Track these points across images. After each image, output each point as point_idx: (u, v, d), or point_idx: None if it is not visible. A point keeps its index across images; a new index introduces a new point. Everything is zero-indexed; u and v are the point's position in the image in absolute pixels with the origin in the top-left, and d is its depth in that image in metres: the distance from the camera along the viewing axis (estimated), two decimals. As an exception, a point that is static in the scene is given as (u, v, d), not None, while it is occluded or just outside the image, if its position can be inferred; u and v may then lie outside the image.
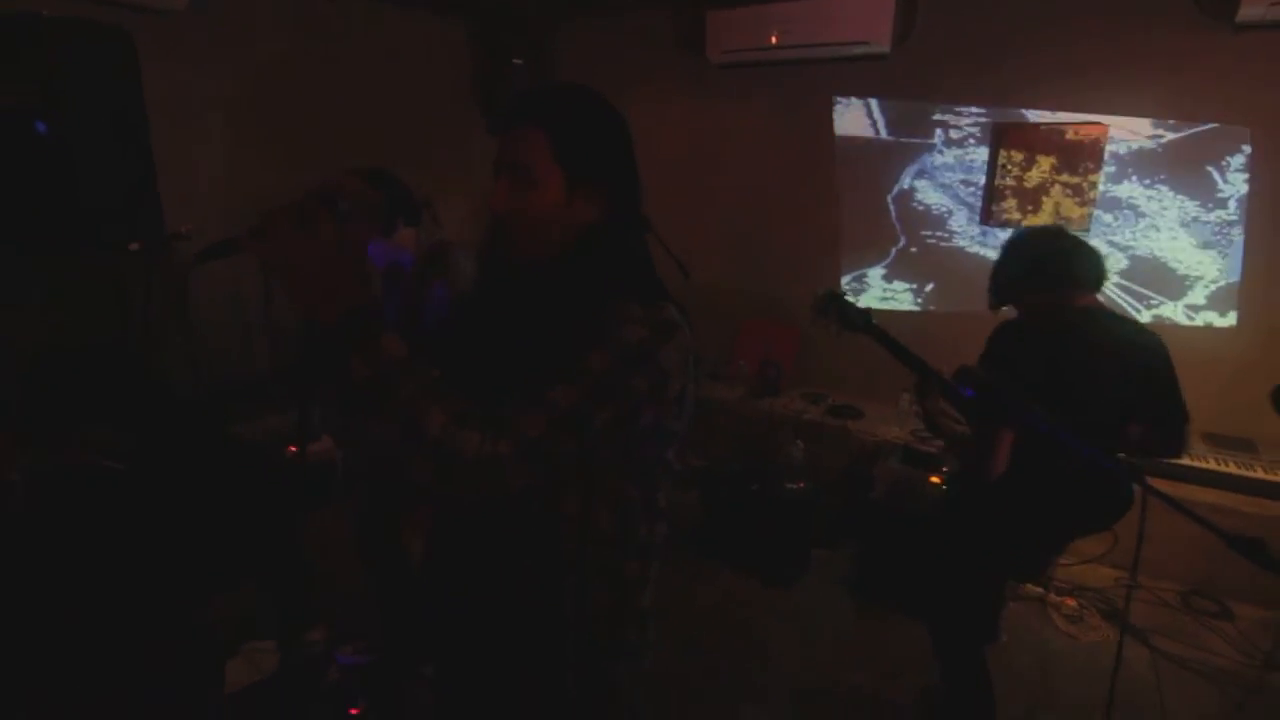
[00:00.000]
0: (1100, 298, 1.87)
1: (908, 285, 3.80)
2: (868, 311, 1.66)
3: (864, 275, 3.92)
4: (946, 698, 2.02)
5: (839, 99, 3.81)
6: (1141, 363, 1.79)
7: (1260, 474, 2.83)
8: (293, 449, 3.17)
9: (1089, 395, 1.72)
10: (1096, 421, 1.73)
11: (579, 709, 1.02)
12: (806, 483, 2.92)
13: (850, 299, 1.67)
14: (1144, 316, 3.22)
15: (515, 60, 4.47)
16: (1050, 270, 1.79)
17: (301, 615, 2.35)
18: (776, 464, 2.95)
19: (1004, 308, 1.92)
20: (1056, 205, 3.32)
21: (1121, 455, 1.84)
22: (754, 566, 2.92)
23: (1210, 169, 3.05)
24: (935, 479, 2.64)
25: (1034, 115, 3.35)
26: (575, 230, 0.96)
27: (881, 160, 3.75)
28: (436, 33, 4.38)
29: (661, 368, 0.88)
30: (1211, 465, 2.91)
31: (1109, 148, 3.19)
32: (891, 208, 3.77)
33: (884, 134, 3.74)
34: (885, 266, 3.85)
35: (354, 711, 2.13)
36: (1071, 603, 2.76)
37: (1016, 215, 3.41)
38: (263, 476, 2.84)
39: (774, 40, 3.66)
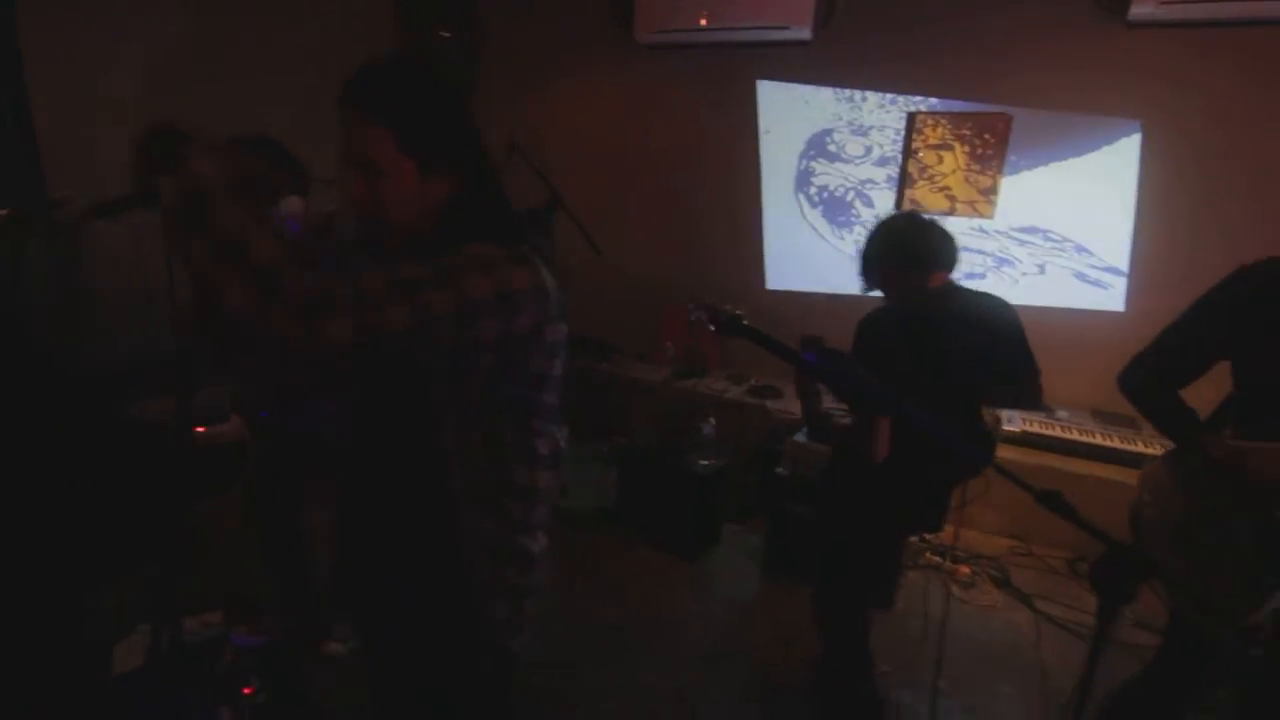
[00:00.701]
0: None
1: (824, 270, 3.89)
2: (739, 315, 1.71)
3: (790, 259, 3.99)
4: (826, 659, 2.11)
5: (762, 81, 3.86)
6: (1001, 330, 1.90)
7: (1141, 448, 3.01)
8: (201, 430, 3.06)
9: (960, 364, 1.82)
10: (967, 385, 1.86)
11: (451, 643, 1.08)
12: (719, 459, 2.98)
13: (728, 307, 1.73)
14: (1042, 301, 3.38)
15: (443, 33, 4.39)
16: (912, 253, 1.88)
17: (187, 597, 2.29)
18: (688, 442, 3.00)
19: (869, 291, 2.00)
20: (963, 190, 3.44)
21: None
22: (666, 541, 2.97)
23: (1104, 159, 3.20)
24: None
25: (945, 104, 3.45)
26: (435, 206, 1.00)
27: (801, 145, 3.81)
28: (360, 2, 4.25)
29: (501, 281, 0.90)
30: (1099, 441, 3.09)
31: (1013, 136, 3.31)
32: (809, 193, 3.85)
33: (804, 118, 3.80)
34: (803, 251, 3.93)
35: (247, 691, 2.09)
36: (966, 570, 2.90)
37: (930, 199, 3.52)
38: (160, 458, 2.74)
39: (702, 22, 3.68)
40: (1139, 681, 1.72)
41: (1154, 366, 1.56)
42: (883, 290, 1.98)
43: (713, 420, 3.02)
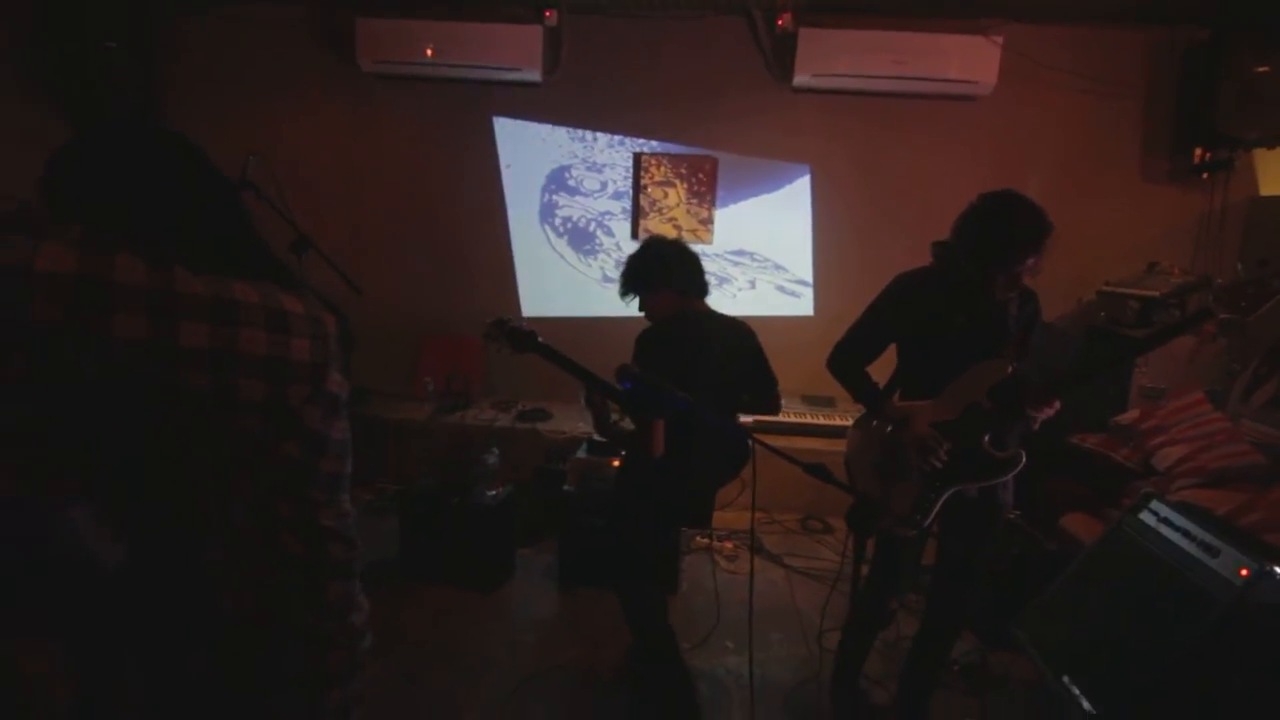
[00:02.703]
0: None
1: (577, 295, 4.17)
2: (533, 332, 1.87)
3: (542, 287, 4.19)
4: (639, 647, 2.33)
5: (498, 118, 4.00)
6: (744, 348, 2.31)
7: (839, 421, 3.78)
8: None
9: (715, 378, 2.17)
10: (721, 396, 2.22)
11: None
12: (504, 488, 3.03)
13: (514, 322, 1.86)
14: (755, 311, 4.06)
15: (107, 44, 3.73)
16: (679, 276, 2.20)
17: None
18: (473, 475, 3.00)
19: (630, 297, 2.27)
20: (687, 220, 3.98)
21: (741, 418, 2.34)
22: (459, 579, 2.93)
23: (788, 194, 3.97)
24: (616, 462, 2.97)
25: (664, 146, 3.96)
26: None
27: (542, 179, 4.05)
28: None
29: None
30: (808, 419, 3.80)
31: (720, 174, 3.93)
32: (554, 224, 4.10)
33: (543, 155, 4.03)
34: (553, 278, 4.17)
35: None
36: (729, 545, 3.36)
37: (660, 228, 3.99)
38: None
39: (429, 54, 3.69)
40: (861, 594, 2.24)
41: (848, 351, 2.09)
42: (650, 310, 2.25)
43: (496, 450, 3.06)
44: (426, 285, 4.21)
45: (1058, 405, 1.88)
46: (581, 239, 4.11)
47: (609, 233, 4.09)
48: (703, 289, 2.25)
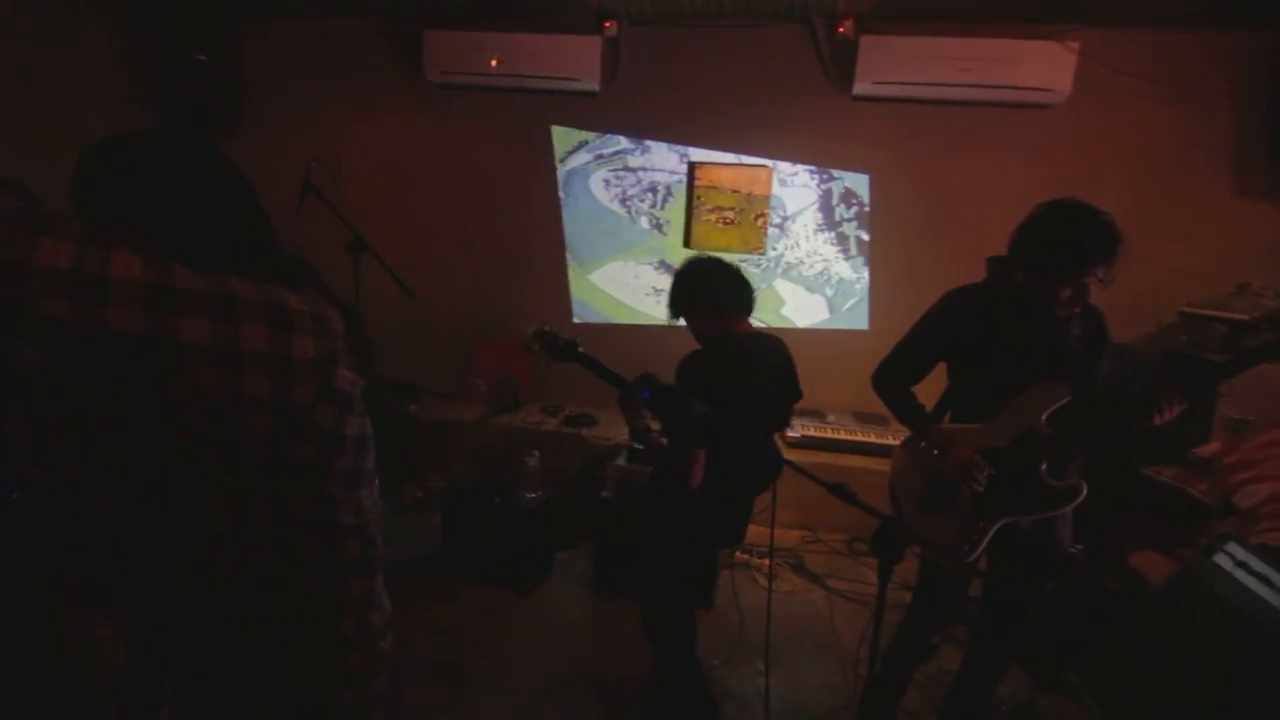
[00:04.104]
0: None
1: (627, 301, 4.18)
2: (574, 342, 1.86)
3: (586, 292, 4.22)
4: (659, 665, 2.29)
5: (556, 126, 4.07)
6: (784, 366, 2.23)
7: (890, 440, 3.64)
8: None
9: (762, 397, 2.10)
10: (765, 415, 2.15)
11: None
12: (544, 491, 3.05)
13: (555, 331, 1.86)
14: (801, 322, 3.97)
15: (199, 56, 3.99)
16: (718, 298, 2.10)
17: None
18: (515, 476, 3.03)
19: (679, 320, 2.20)
20: (741, 230, 3.93)
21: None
22: (498, 578, 2.97)
23: (844, 204, 3.87)
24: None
25: (718, 155, 3.93)
26: None
27: (594, 185, 4.08)
28: (92, 17, 3.73)
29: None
30: (858, 437, 3.68)
31: (774, 185, 3.87)
32: (603, 228, 4.12)
33: (595, 162, 4.07)
34: (607, 282, 4.19)
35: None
36: (768, 563, 3.27)
37: (713, 238, 3.96)
38: None
39: (494, 64, 3.78)
40: (904, 624, 2.14)
41: (893, 369, 2.01)
42: (694, 330, 2.18)
43: (536, 453, 3.09)
44: (481, 288, 4.30)
45: (1179, 408, 1.69)
46: (633, 244, 4.12)
47: (659, 240, 4.08)
48: (746, 307, 2.16)
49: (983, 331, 1.84)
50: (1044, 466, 1.80)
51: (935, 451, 1.91)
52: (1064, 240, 1.68)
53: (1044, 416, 1.78)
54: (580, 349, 1.88)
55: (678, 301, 2.14)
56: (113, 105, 3.80)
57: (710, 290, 2.10)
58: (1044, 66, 3.27)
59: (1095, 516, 2.30)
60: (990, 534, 1.83)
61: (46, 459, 1.38)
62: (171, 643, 1.03)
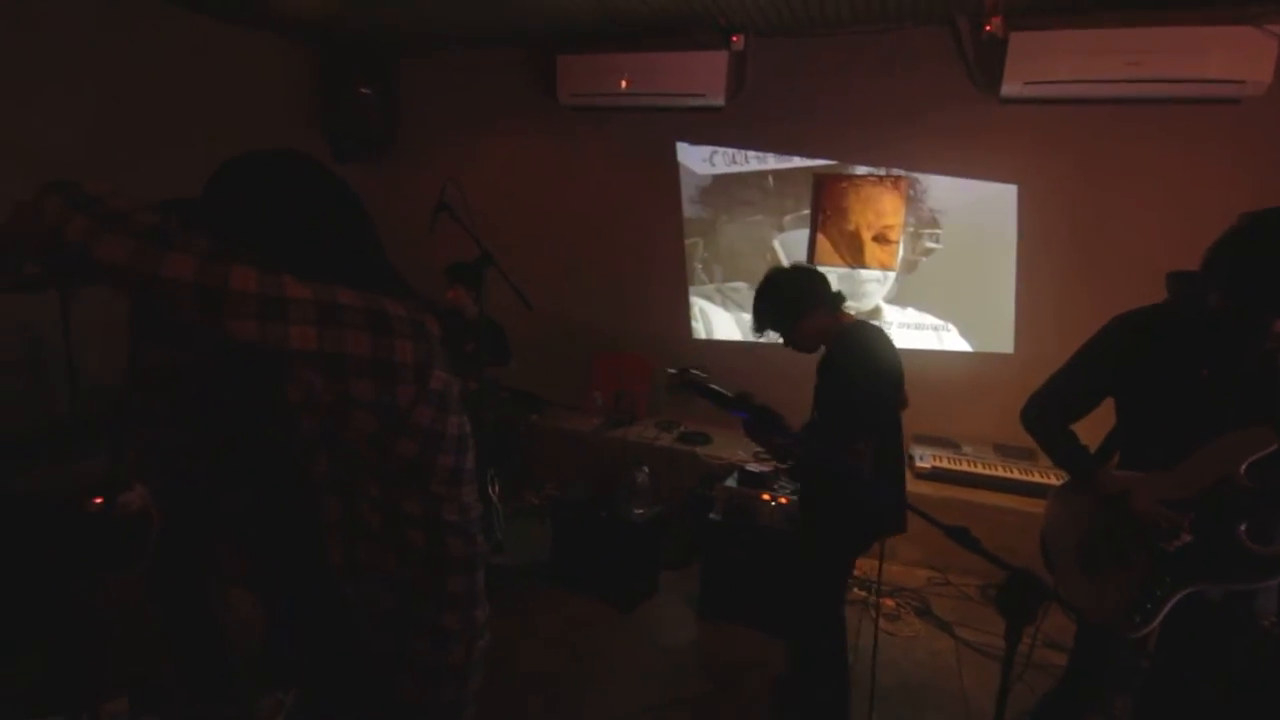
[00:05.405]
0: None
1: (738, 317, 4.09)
2: (705, 376, 1.73)
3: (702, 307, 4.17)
4: (806, 692, 2.16)
5: (680, 143, 4.08)
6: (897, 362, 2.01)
7: (1038, 478, 3.27)
8: (98, 500, 2.84)
9: (897, 389, 1.97)
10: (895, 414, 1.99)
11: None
12: (653, 507, 3.02)
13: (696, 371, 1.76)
14: (939, 344, 3.68)
15: (363, 90, 4.43)
16: (822, 294, 2.01)
17: (94, 685, 2.10)
18: (624, 491, 3.03)
19: (765, 334, 2.09)
20: (870, 245, 3.72)
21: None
22: (603, 592, 2.97)
23: (988, 219, 3.55)
24: (765, 495, 2.82)
25: (849, 167, 3.76)
26: None
27: (717, 201, 4.04)
28: (278, 57, 4.25)
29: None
30: (1001, 473, 3.33)
31: (911, 197, 3.64)
32: (723, 244, 4.06)
33: (718, 178, 4.03)
34: (725, 300, 4.12)
35: (157, 785, 1.92)
36: (890, 603, 3.03)
37: (836, 256, 3.78)
38: (44, 533, 2.52)
39: (624, 85, 3.87)
40: (1052, 694, 1.87)
41: (1048, 404, 1.73)
42: (801, 339, 2.06)
43: (646, 469, 3.07)
44: (602, 304, 4.39)
45: None
46: (751, 259, 4.03)
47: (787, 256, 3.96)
48: (843, 298, 2.06)
49: (1166, 363, 1.56)
50: (1243, 528, 1.51)
51: (1102, 502, 1.65)
52: (1272, 259, 1.37)
53: (1243, 468, 1.49)
54: (713, 385, 1.65)
55: (781, 310, 2.03)
56: (288, 129, 4.29)
57: (815, 287, 2.03)
58: (1237, 55, 2.83)
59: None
60: (1171, 603, 1.55)
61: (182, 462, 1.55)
62: (299, 629, 1.09)
